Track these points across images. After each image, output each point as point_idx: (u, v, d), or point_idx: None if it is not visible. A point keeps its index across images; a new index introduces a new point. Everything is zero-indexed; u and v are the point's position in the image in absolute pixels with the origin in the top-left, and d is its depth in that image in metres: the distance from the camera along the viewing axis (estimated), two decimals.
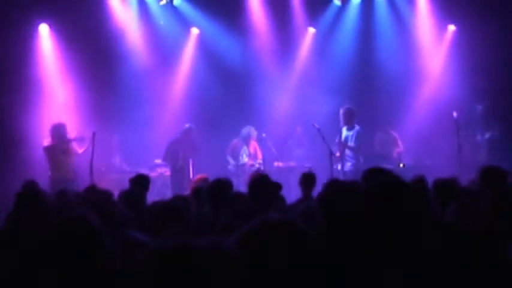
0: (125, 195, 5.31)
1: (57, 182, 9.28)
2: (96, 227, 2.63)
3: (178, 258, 1.61)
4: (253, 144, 11.22)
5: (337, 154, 9.93)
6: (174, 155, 10.68)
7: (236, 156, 11.19)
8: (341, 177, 9.16)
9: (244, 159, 11.11)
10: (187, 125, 10.87)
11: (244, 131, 11.17)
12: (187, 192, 7.19)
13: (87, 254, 2.54)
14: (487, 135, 11.26)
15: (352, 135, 10.08)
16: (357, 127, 10.14)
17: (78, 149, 9.89)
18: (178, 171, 10.64)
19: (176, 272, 1.59)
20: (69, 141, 9.78)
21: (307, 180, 6.33)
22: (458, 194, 4.35)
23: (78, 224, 2.60)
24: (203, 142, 11.09)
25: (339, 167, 9.94)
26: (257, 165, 10.84)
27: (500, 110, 11.27)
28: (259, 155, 11.15)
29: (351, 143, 10.05)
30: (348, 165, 9.98)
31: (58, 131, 9.77)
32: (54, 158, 9.73)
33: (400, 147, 11.43)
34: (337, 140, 10.03)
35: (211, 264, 1.60)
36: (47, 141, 9.81)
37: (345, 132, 10.17)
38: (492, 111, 11.29)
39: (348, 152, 10.00)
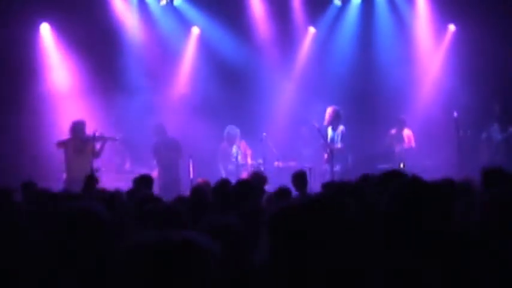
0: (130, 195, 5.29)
1: (72, 182, 8.87)
2: (104, 219, 2.53)
3: (159, 252, 1.62)
4: (241, 142, 11.04)
5: (325, 155, 9.94)
6: (157, 154, 10.67)
7: (228, 157, 11.00)
8: (331, 178, 9.09)
9: (240, 160, 10.92)
10: (156, 123, 10.80)
11: (226, 131, 10.99)
12: (175, 193, 7.16)
13: (90, 245, 2.45)
14: (505, 135, 11.09)
15: (338, 136, 10.13)
16: (342, 127, 10.18)
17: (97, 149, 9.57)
18: (164, 171, 10.58)
19: (158, 265, 1.60)
20: (87, 140, 9.41)
21: (298, 179, 6.38)
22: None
23: (83, 215, 2.50)
24: (204, 141, 11.06)
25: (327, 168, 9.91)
26: (256, 165, 10.76)
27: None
28: (249, 152, 11.01)
29: (337, 144, 10.08)
30: (337, 166, 9.90)
31: (75, 128, 9.47)
32: (68, 156, 9.46)
33: (408, 144, 11.23)
34: (322, 141, 10.03)
35: (190, 259, 1.62)
36: (63, 137, 9.58)
37: (330, 132, 10.23)
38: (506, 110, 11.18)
39: (335, 152, 9.87)
